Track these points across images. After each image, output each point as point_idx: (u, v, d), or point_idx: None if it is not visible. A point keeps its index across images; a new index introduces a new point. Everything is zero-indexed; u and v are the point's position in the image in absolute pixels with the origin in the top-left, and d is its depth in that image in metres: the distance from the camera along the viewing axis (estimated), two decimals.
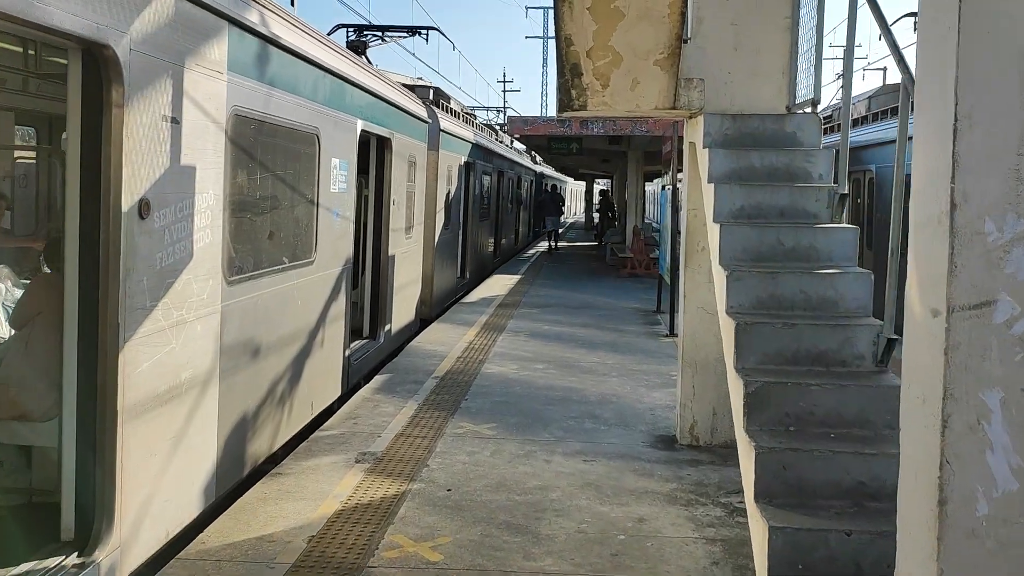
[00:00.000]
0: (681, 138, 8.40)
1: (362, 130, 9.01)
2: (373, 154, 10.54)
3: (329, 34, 11.57)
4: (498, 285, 17.90)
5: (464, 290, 18.08)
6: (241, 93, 5.56)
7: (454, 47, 18.08)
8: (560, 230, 32.22)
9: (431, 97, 14.72)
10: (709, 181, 5.48)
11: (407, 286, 12.04)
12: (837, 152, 5.17)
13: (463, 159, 17.08)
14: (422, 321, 13.97)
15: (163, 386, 4.54)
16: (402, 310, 11.65)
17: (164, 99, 4.45)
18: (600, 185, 69.07)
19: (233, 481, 5.62)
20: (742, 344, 4.35)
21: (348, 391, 8.88)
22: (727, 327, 4.57)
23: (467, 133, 17.65)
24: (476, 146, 18.89)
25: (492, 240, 22.74)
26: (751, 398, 4.07)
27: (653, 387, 8.73)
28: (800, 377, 4.22)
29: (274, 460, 6.29)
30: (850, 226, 5.03)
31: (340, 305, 8.47)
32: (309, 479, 5.75)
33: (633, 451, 6.56)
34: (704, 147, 5.74)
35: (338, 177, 8.19)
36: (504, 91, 55.20)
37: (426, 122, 13.02)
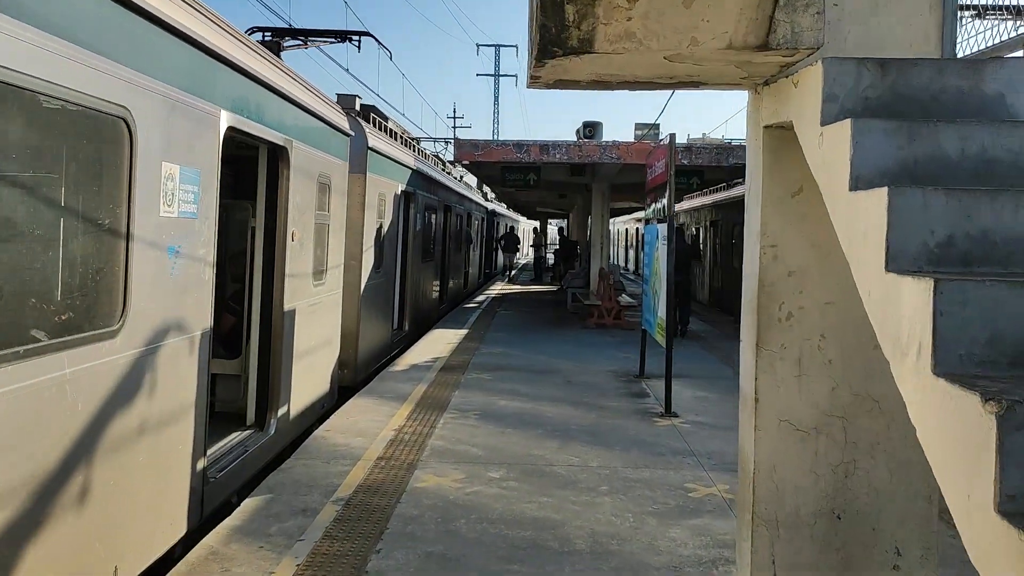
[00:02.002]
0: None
1: (232, 127, 6.04)
2: (263, 169, 7.56)
3: None
4: (442, 340, 14.88)
5: (402, 345, 15.03)
6: None
7: (391, 57, 15.30)
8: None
9: (357, 108, 11.80)
10: (856, 186, 2.64)
11: (317, 349, 9.00)
12: None
13: (401, 187, 14.14)
14: (343, 390, 10.90)
15: None
16: (308, 382, 8.59)
17: None
18: (553, 225, 66.68)
19: None
20: None
21: (205, 520, 5.80)
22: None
23: (406, 157, 14.74)
24: (418, 173, 15.98)
25: (437, 284, 19.77)
26: None
27: (668, 515, 5.79)
28: None
29: None
30: None
31: (185, 394, 5.42)
32: None
33: None
34: (826, 122, 2.90)
35: (178, 194, 5.19)
36: (455, 127, 52.46)
37: (347, 135, 10.08)
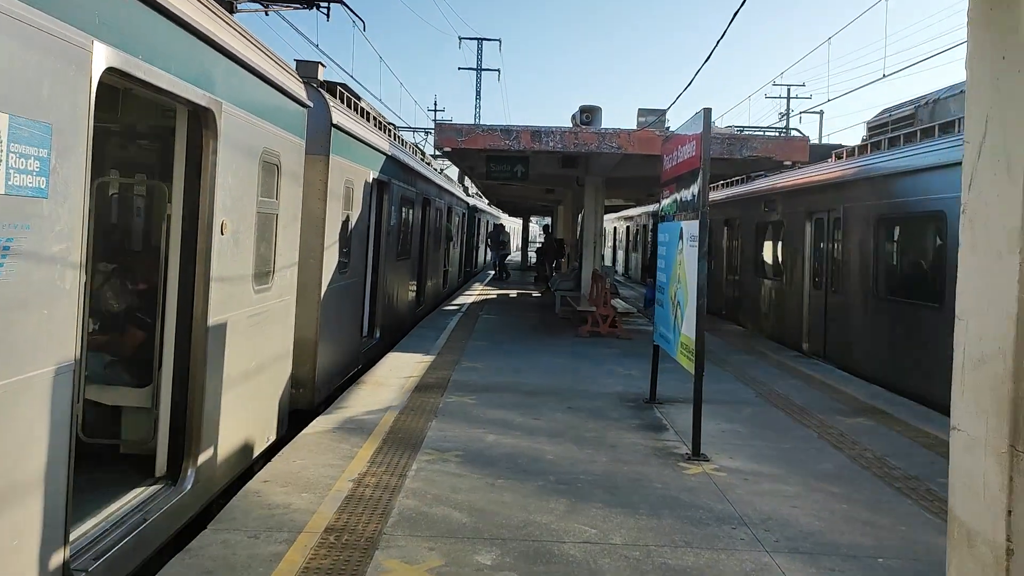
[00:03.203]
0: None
1: (115, 70, 4.21)
2: (181, 139, 5.73)
3: None
4: (417, 350, 13.06)
5: (373, 355, 13.20)
6: None
7: (363, 28, 13.54)
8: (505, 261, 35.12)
9: (319, 77, 9.94)
10: None
11: (259, 370, 7.17)
12: None
13: (372, 175, 12.31)
14: (298, 415, 9.07)
15: None
16: (245, 414, 6.77)
17: None
18: (535, 224, 64.84)
19: None
20: None
21: None
22: None
23: (380, 142, 12.90)
24: (394, 161, 14.15)
25: (414, 285, 17.94)
26: None
27: None
28: None
29: None
30: None
31: (24, 461, 3.60)
32: None
33: None
34: None
35: (5, 159, 3.37)
36: (435, 120, 50.40)
37: (304, 105, 8.25)
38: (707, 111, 7.12)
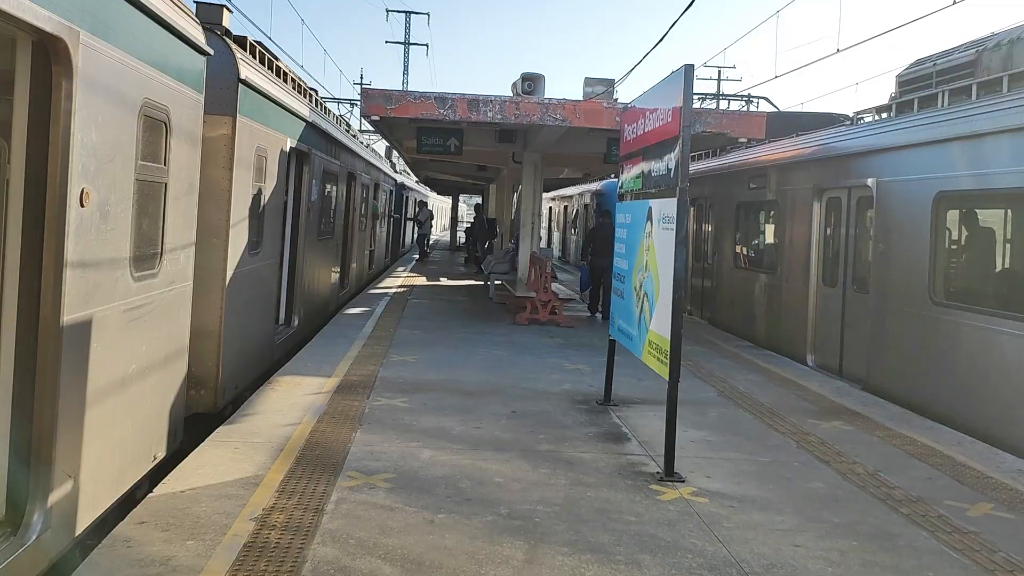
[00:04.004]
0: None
1: None
2: (22, 80, 4.34)
3: None
4: (341, 340, 11.74)
5: (291, 345, 11.84)
6: None
7: None
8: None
9: (226, 26, 8.49)
10: None
11: (141, 376, 5.82)
12: None
13: (291, 143, 10.90)
14: (199, 420, 7.75)
15: None
16: (119, 433, 5.43)
17: None
18: (464, 203, 63.49)
19: None
20: None
21: None
22: None
23: (300, 107, 11.49)
24: (316, 129, 12.74)
25: (338, 267, 16.54)
26: None
27: None
28: None
29: None
30: None
31: None
32: None
33: None
34: None
35: None
36: (362, 87, 48.37)
37: (203, 52, 6.84)
38: (689, 68, 5.99)
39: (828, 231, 11.94)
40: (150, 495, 5.26)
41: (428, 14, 73.40)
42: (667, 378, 6.19)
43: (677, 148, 6.05)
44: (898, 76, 11.71)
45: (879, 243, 10.14)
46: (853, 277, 11.11)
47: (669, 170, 6.28)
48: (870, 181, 10.38)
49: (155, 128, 5.79)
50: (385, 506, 5.26)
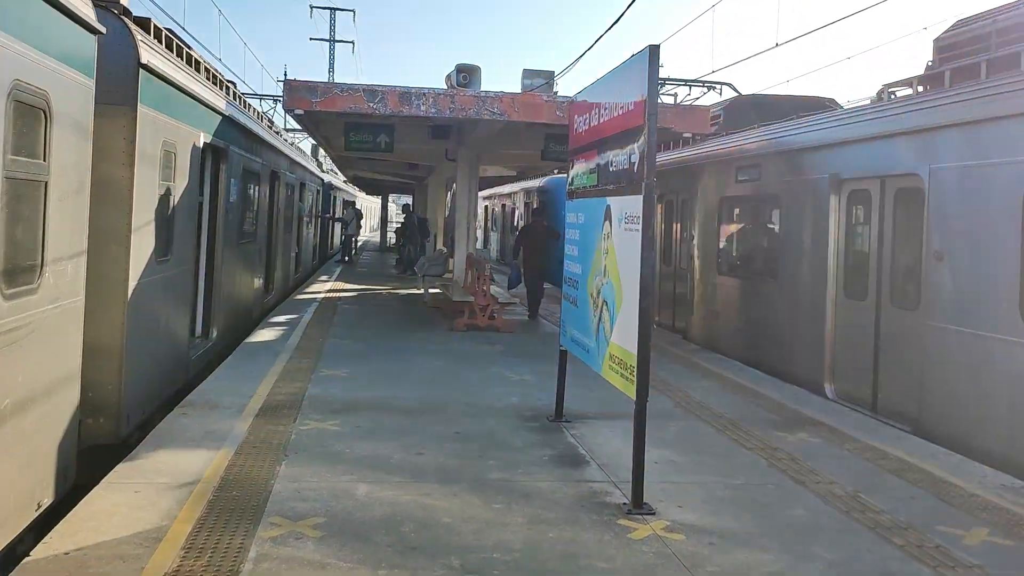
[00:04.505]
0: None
1: None
2: None
3: None
4: (264, 353, 10.80)
5: (208, 360, 10.86)
6: None
7: None
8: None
9: (119, 2, 7.49)
10: None
11: (19, 410, 4.89)
12: None
13: (205, 138, 9.93)
14: (98, 453, 6.80)
15: None
16: None
17: None
18: (394, 202, 62.15)
19: None
20: None
21: None
22: None
23: (215, 99, 10.52)
24: (233, 124, 11.76)
25: (262, 272, 15.51)
26: None
27: None
28: None
29: None
30: None
31: None
32: None
33: None
34: None
35: None
36: (285, 77, 46.76)
37: (94, 30, 5.91)
38: (654, 48, 5.32)
39: (853, 231, 9.69)
40: (26, 560, 4.35)
41: (353, 11, 71.85)
42: (633, 397, 5.52)
43: (642, 139, 5.38)
44: (936, 39, 9.38)
45: (943, 245, 7.96)
46: (891, 288, 8.92)
47: (632, 163, 5.61)
48: (919, 170, 8.25)
49: (30, 116, 4.86)
50: (315, 562, 4.45)
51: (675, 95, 18.95)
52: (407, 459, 6.40)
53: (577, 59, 11.58)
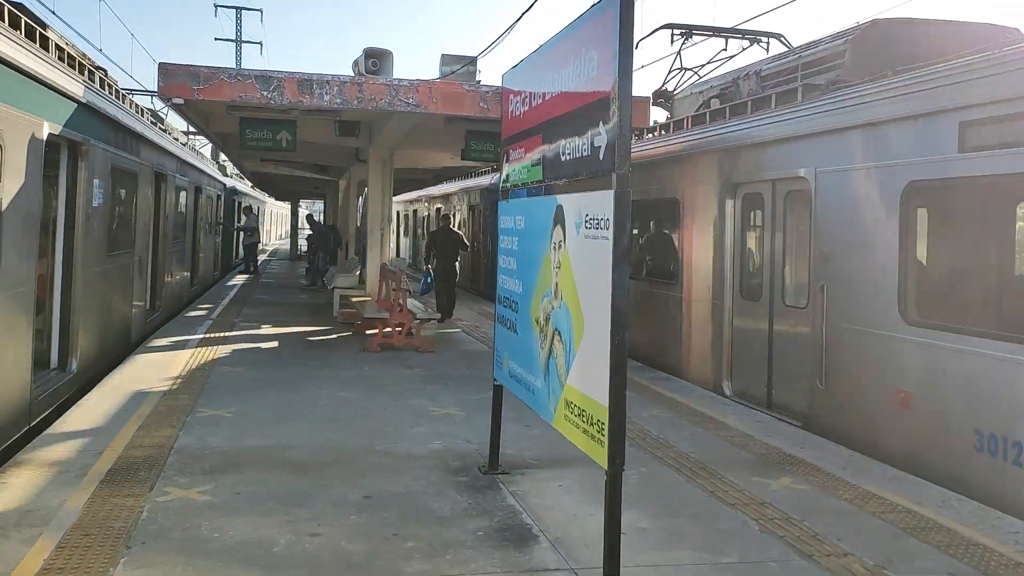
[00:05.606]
0: None
1: None
2: None
3: None
4: (133, 388, 8.97)
5: (66, 397, 8.99)
6: None
7: None
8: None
9: None
10: None
11: None
12: None
13: (51, 128, 8.10)
14: None
15: None
16: None
17: None
18: (304, 208, 59.68)
19: None
20: None
21: None
22: None
23: (71, 84, 8.70)
24: (98, 115, 9.91)
25: (144, 289, 13.56)
26: None
27: None
28: None
29: None
30: None
31: None
32: None
33: None
34: None
35: None
36: (163, 62, 43.61)
37: None
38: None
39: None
40: None
41: (261, 10, 69.10)
42: (604, 465, 4.06)
43: (613, 115, 3.92)
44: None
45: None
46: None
47: (596, 149, 4.14)
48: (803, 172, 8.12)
49: None
50: None
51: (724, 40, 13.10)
52: (297, 544, 4.79)
53: (503, 34, 10.10)
